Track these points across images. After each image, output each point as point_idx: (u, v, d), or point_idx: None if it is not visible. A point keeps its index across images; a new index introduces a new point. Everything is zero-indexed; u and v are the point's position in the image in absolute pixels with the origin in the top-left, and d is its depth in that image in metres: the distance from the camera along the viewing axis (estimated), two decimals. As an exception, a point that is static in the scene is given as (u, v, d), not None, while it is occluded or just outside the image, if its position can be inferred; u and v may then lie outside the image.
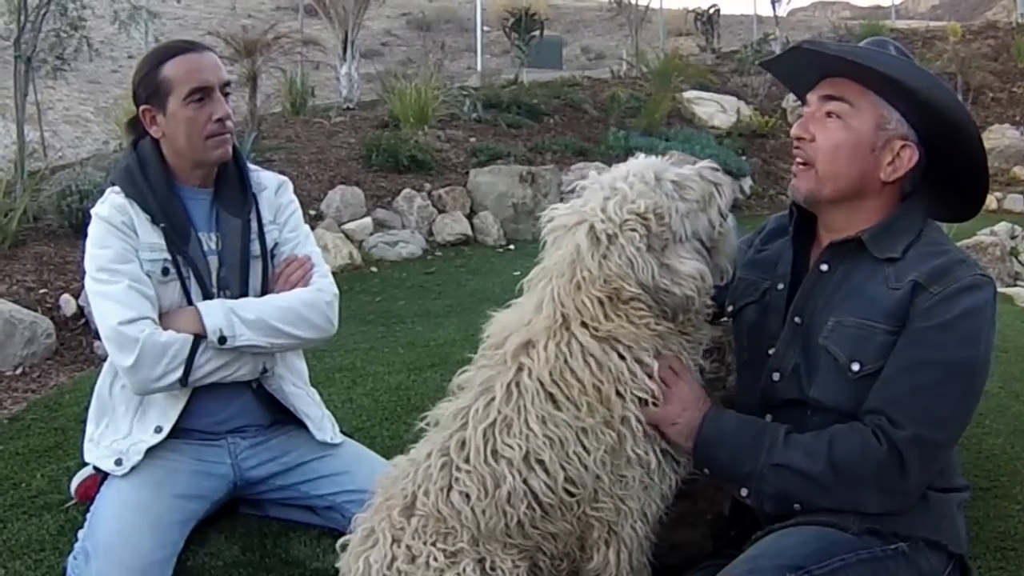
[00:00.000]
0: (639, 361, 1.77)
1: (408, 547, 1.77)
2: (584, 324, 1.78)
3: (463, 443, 1.80)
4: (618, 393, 1.75)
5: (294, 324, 2.36)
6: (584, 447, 1.75)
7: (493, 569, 1.77)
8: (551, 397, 1.77)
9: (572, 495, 1.77)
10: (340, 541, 1.91)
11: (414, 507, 1.81)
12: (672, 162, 1.87)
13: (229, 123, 2.38)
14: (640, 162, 1.86)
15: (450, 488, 1.79)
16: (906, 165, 1.81)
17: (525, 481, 1.75)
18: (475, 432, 1.79)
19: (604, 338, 1.77)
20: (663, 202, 1.77)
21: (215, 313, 2.28)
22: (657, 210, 1.76)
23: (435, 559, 1.76)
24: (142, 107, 2.37)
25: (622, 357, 1.77)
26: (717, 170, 1.88)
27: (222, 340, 2.26)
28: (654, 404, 1.79)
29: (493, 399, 1.80)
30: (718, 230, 1.85)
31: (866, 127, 1.80)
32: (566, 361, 1.76)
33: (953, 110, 1.80)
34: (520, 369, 1.80)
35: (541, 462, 1.75)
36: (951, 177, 1.88)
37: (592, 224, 1.76)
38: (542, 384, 1.77)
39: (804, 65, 1.90)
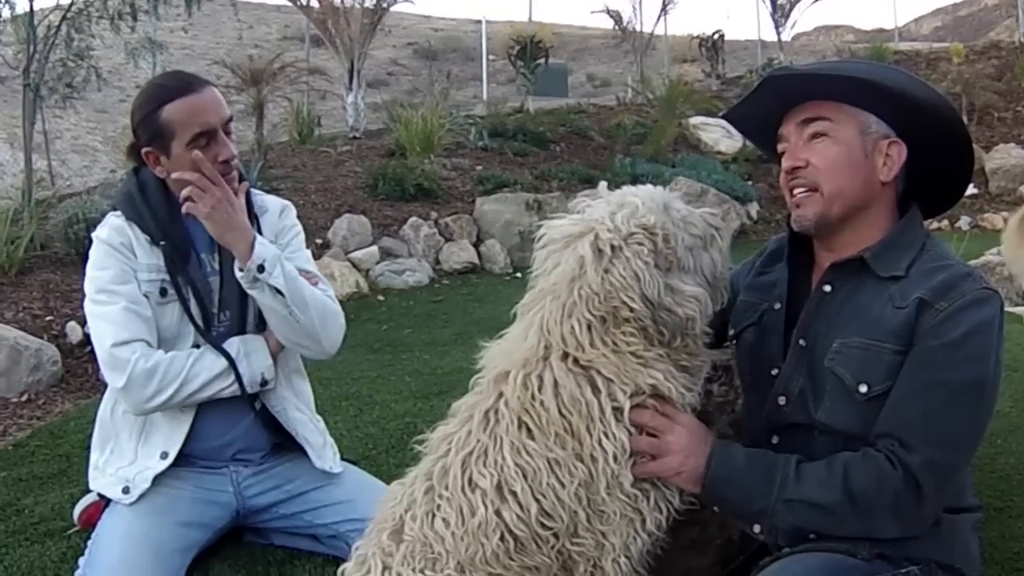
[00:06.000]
0: (613, 399, 1.69)
1: (398, 574, 1.72)
2: (565, 355, 1.71)
3: (445, 470, 1.76)
4: (587, 429, 1.69)
5: (317, 312, 2.32)
6: (558, 479, 1.69)
7: None
8: (524, 425, 1.71)
9: (547, 528, 1.70)
10: (340, 569, 1.89)
11: (402, 532, 1.77)
12: (678, 196, 1.83)
13: (235, 161, 2.34)
14: (649, 188, 1.82)
15: (433, 515, 1.74)
16: (898, 161, 1.80)
17: (497, 512, 1.69)
18: (455, 459, 1.75)
19: (582, 369, 1.70)
20: (671, 227, 1.72)
21: (267, 249, 2.26)
22: (664, 231, 1.70)
23: None
24: (144, 150, 2.32)
25: (596, 391, 1.69)
26: (716, 215, 1.86)
27: (260, 268, 2.23)
28: (649, 457, 1.73)
29: (472, 426, 1.77)
30: (720, 270, 1.81)
31: (853, 136, 1.79)
32: (539, 389, 1.70)
33: (923, 94, 1.79)
34: (499, 397, 1.75)
35: (513, 493, 1.69)
36: (936, 167, 1.86)
37: (597, 233, 1.69)
38: (515, 412, 1.71)
39: (767, 105, 1.88)
